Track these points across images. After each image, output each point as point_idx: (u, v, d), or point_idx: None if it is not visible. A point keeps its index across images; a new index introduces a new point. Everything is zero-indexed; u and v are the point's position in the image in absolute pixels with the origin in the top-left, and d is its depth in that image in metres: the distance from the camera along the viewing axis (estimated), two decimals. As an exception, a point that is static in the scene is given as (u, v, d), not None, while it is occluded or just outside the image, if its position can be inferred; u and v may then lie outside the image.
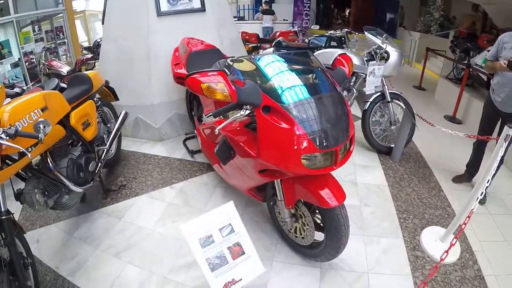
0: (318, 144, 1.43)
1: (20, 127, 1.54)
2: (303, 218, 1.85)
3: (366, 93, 2.91)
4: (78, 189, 2.07)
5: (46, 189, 1.89)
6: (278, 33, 4.56)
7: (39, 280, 1.80)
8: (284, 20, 9.78)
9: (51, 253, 2.10)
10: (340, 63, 1.90)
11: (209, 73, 1.44)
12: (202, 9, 3.24)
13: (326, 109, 1.53)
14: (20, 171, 1.79)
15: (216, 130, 1.65)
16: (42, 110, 1.79)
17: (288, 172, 1.55)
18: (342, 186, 1.66)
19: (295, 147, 1.41)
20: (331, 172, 1.64)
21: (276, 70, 1.63)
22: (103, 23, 3.72)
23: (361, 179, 2.78)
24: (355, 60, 2.99)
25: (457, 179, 2.73)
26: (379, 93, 2.97)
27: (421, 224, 2.28)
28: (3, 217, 1.48)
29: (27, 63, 6.28)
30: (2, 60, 5.74)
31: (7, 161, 1.59)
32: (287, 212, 1.85)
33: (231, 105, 1.51)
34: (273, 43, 3.78)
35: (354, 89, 3.15)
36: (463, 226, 1.67)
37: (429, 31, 8.53)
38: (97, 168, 2.38)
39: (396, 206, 2.45)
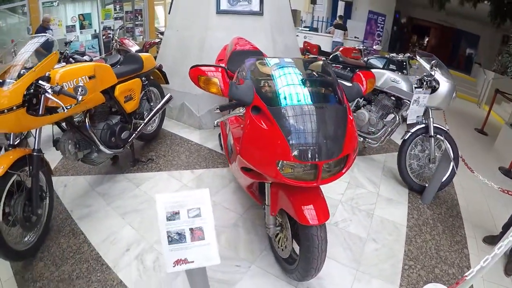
0: (297, 153, 1.37)
1: (66, 87, 1.87)
2: (285, 229, 1.80)
3: (407, 122, 2.66)
4: (107, 151, 2.39)
5: (79, 143, 2.24)
6: (341, 48, 4.44)
7: (53, 215, 2.15)
8: (355, 37, 9.53)
9: (71, 198, 2.47)
10: (358, 78, 1.78)
11: (211, 68, 1.53)
12: (260, 12, 3.39)
13: (320, 121, 1.43)
14: (61, 123, 2.17)
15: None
16: (90, 77, 2.13)
17: (266, 176, 1.54)
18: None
19: (271, 151, 1.40)
20: (321, 187, 1.58)
21: (286, 75, 1.64)
22: (169, 13, 4.16)
23: (380, 212, 2.55)
24: (404, 86, 2.76)
25: (489, 240, 2.28)
26: (423, 125, 2.68)
27: (427, 277, 1.98)
28: (34, 154, 1.82)
29: (104, 37, 7.31)
30: (82, 30, 6.98)
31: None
32: (271, 218, 1.82)
33: (234, 102, 1.58)
34: (330, 57, 3.71)
35: (398, 116, 2.90)
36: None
37: (505, 72, 7.57)
38: (130, 138, 2.69)
39: (406, 251, 2.18)
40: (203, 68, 1.53)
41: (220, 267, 1.95)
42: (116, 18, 7.80)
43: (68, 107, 1.84)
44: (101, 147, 2.34)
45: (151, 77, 3.19)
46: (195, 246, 1.49)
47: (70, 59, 3.19)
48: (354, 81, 1.79)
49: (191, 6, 3.46)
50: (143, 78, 2.92)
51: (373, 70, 2.95)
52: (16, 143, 1.93)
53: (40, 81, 1.73)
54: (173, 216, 1.49)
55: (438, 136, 2.63)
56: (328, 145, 1.40)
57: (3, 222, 1.67)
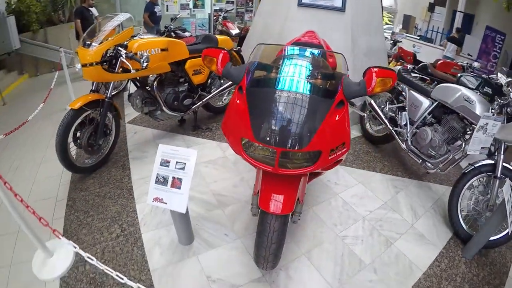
0: (257, 134, 1.40)
1: (139, 55, 2.42)
2: None
3: (467, 152, 2.14)
4: (168, 111, 2.94)
5: (146, 100, 2.83)
6: (440, 61, 3.63)
7: (115, 151, 2.84)
8: (468, 54, 7.70)
9: (135, 142, 3.15)
10: (368, 75, 1.51)
11: (216, 50, 1.72)
12: (342, 9, 3.27)
13: (291, 109, 1.41)
14: (135, 82, 2.79)
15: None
16: (162, 50, 2.66)
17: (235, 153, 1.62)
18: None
19: (238, 128, 1.49)
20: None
21: (289, 63, 1.64)
22: (259, 1, 4.38)
23: (402, 245, 2.21)
24: (477, 108, 2.18)
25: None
26: (492, 162, 2.11)
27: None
28: (106, 99, 2.46)
29: (214, 18, 7.97)
30: (195, 9, 7.91)
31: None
32: (253, 198, 1.88)
33: None
34: (418, 66, 3.22)
35: (465, 144, 2.35)
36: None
37: None
38: (192, 106, 3.17)
39: (408, 296, 1.87)
40: (210, 50, 1.74)
41: (210, 229, 2.20)
42: (228, 2, 8.58)
43: (135, 70, 2.39)
44: (163, 107, 2.89)
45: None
46: (172, 191, 1.78)
47: (172, 33, 3.90)
48: (365, 77, 1.57)
49: None
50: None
51: (447, 85, 2.53)
52: (112, 94, 2.61)
53: (118, 47, 2.32)
54: (165, 163, 1.82)
55: (506, 179, 2.03)
56: (291, 134, 1.37)
57: (73, 143, 2.38)
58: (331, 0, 3.30)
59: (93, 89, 2.50)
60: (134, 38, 2.58)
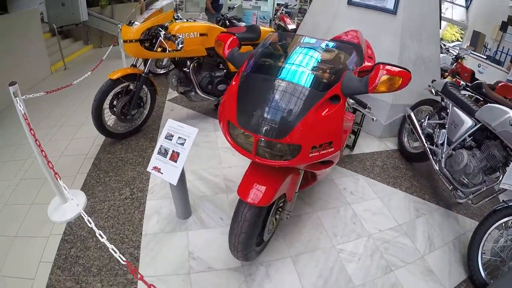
0: (240, 118, 1.40)
1: (180, 37, 2.59)
2: None
3: (500, 186, 1.80)
4: (201, 94, 3.10)
5: (181, 80, 3.02)
6: (501, 84, 2.97)
7: (147, 123, 3.09)
8: None
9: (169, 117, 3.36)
10: (374, 72, 1.37)
11: (227, 35, 1.75)
12: (393, 11, 3.01)
13: (275, 97, 1.37)
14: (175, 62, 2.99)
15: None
16: (201, 34, 2.81)
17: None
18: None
19: (226, 111, 1.49)
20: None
21: (293, 50, 1.60)
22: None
23: (403, 274, 1.96)
24: None
25: None
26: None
27: None
28: (143, 75, 2.70)
29: (282, 12, 7.90)
30: (257, 1, 8.05)
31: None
32: None
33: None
34: (473, 84, 2.77)
35: (502, 175, 1.96)
36: None
37: None
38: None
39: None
40: (223, 34, 1.78)
41: (209, 210, 2.28)
42: None
43: (171, 51, 2.58)
44: (197, 89, 3.05)
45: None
46: (169, 163, 1.90)
47: (227, 21, 4.05)
48: (370, 74, 1.41)
49: None
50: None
51: (495, 105, 2.20)
52: (160, 72, 2.85)
53: (159, 28, 2.53)
54: (169, 136, 1.95)
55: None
56: (271, 123, 1.33)
57: (109, 109, 2.67)
58: (382, 0, 3.07)
59: (133, 64, 2.76)
60: (177, 21, 2.78)
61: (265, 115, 1.34)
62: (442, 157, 2.51)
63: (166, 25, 2.60)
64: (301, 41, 1.68)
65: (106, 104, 2.62)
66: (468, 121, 2.41)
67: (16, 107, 1.77)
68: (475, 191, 2.21)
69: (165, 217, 2.20)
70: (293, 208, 1.93)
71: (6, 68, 4.19)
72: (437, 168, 2.54)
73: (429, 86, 2.85)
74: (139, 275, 1.27)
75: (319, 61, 1.55)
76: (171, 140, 1.95)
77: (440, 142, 2.58)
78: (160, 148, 1.96)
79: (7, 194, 2.43)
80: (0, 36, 4.17)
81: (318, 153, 1.37)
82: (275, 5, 8.12)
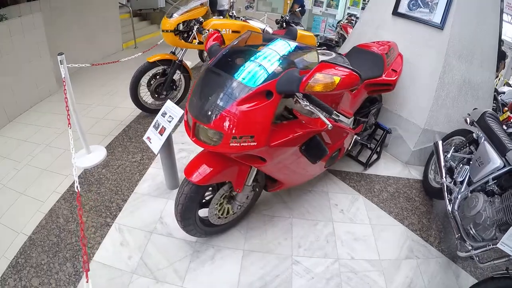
0: (189, 104, 1.57)
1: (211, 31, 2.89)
2: None
3: (497, 245, 1.41)
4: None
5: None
6: None
7: (179, 105, 3.47)
8: None
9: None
10: (315, 70, 1.35)
11: (214, 31, 1.90)
12: (440, 26, 2.59)
13: (213, 88, 1.50)
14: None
15: None
16: (233, 31, 3.04)
17: None
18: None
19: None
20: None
21: (257, 48, 1.66)
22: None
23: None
24: None
25: None
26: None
27: None
28: (177, 61, 3.08)
29: (346, 21, 7.50)
30: (328, 8, 7.88)
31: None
32: None
33: None
34: None
35: None
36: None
37: None
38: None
39: None
40: (214, 32, 1.95)
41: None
42: (363, 8, 7.99)
43: (201, 43, 2.89)
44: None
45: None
46: (156, 135, 2.20)
47: (284, 23, 4.18)
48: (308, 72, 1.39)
49: (378, 4, 3.23)
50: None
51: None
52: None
53: (195, 21, 2.87)
54: (164, 114, 2.26)
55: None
56: (204, 109, 1.46)
57: (146, 87, 3.14)
58: (430, 13, 2.67)
59: (172, 51, 3.17)
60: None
61: (203, 103, 1.49)
62: (457, 197, 2.11)
63: (201, 19, 2.92)
64: (269, 42, 1.70)
65: (144, 82, 3.10)
66: (496, 161, 1.96)
67: (61, 72, 2.32)
68: (479, 247, 1.81)
69: (156, 184, 2.52)
70: (248, 202, 1.99)
71: (82, 40, 5.05)
72: (450, 209, 2.14)
73: (469, 114, 2.41)
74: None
75: (270, 60, 1.57)
76: (164, 117, 2.23)
77: (459, 179, 2.18)
78: (155, 122, 2.27)
79: (51, 138, 3.09)
80: (78, 11, 4.94)
81: (238, 144, 1.42)
82: (346, 14, 7.77)
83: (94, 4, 5.40)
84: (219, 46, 1.85)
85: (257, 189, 2.01)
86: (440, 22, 2.59)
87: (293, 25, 4.35)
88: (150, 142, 2.24)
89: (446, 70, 2.63)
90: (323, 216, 2.36)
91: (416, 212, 2.51)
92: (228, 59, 1.64)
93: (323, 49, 3.66)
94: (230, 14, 3.86)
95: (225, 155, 1.64)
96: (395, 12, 2.90)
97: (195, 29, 2.84)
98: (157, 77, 3.14)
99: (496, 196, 1.88)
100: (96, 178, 2.54)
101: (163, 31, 2.88)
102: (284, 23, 4.23)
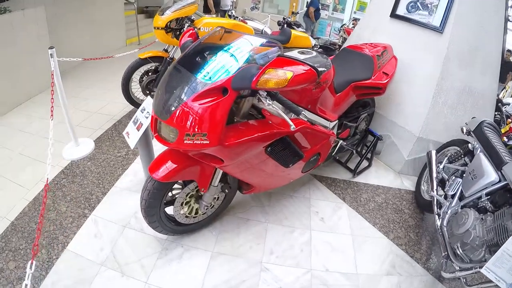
0: (154, 101, 1.56)
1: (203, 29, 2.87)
2: None
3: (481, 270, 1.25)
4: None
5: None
6: None
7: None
8: None
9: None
10: (269, 64, 1.33)
11: (190, 29, 1.88)
12: (439, 29, 2.41)
13: (174, 84, 1.48)
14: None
15: None
16: (226, 32, 3.00)
17: None
18: None
19: None
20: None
21: (221, 46, 1.60)
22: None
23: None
24: None
25: None
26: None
27: None
28: (168, 59, 3.08)
29: (352, 25, 7.27)
30: (333, 12, 7.85)
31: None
32: None
33: None
34: None
35: None
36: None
37: None
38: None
39: None
40: (190, 29, 1.92)
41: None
42: None
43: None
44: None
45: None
46: (134, 129, 2.18)
47: (285, 24, 4.12)
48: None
49: (377, 6, 3.09)
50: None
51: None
52: None
53: (186, 19, 2.85)
54: (143, 110, 2.23)
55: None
56: (163, 106, 1.45)
57: (138, 83, 3.15)
58: (429, 16, 2.49)
59: (165, 48, 3.18)
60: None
61: (163, 99, 1.48)
62: (447, 212, 1.95)
63: (192, 18, 2.91)
64: (235, 38, 1.63)
65: (136, 78, 3.12)
66: (491, 174, 1.78)
67: (50, 65, 2.36)
68: (465, 269, 1.65)
69: (137, 180, 2.51)
70: (220, 203, 1.95)
71: (86, 35, 5.09)
72: (438, 224, 1.98)
73: (466, 124, 2.23)
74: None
75: (233, 56, 1.51)
76: (142, 113, 2.21)
77: (450, 193, 2.01)
78: (134, 118, 2.25)
79: (46, 129, 3.01)
80: (82, 7, 4.95)
81: (191, 142, 1.38)
82: (352, 19, 7.60)
83: (99, 0, 5.51)
84: (192, 43, 1.81)
85: (226, 191, 1.94)
86: (440, 25, 2.42)
87: (294, 26, 4.29)
88: (128, 137, 2.21)
89: (444, 75, 2.46)
90: (301, 223, 2.25)
91: (404, 225, 2.34)
92: (193, 56, 1.61)
93: (317, 49, 3.57)
94: (229, 13, 3.84)
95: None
96: (393, 14, 2.75)
97: (185, 26, 2.83)
98: (149, 73, 3.15)
99: (488, 213, 1.71)
100: (81, 170, 2.56)
101: (154, 28, 2.90)
102: (285, 25, 4.17)
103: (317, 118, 2.00)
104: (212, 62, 1.48)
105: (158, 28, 2.86)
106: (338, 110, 2.24)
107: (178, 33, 2.97)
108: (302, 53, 1.89)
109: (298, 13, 5.25)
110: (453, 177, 2.06)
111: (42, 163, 2.65)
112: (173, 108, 1.39)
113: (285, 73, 1.28)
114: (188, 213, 1.93)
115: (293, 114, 1.60)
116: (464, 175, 1.99)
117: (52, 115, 2.30)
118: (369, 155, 2.82)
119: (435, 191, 2.12)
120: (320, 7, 6.87)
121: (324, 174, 2.77)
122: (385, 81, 2.31)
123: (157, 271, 1.84)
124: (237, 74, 1.36)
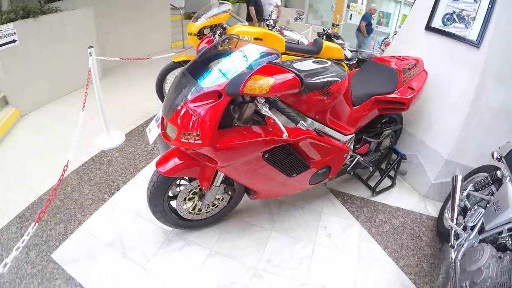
0: (164, 102, 1.68)
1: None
2: None
3: None
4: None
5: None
6: None
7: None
8: None
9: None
10: (252, 74, 1.35)
11: (208, 37, 1.98)
12: (476, 43, 2.18)
13: (179, 89, 1.58)
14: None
15: None
16: (255, 39, 3.10)
17: None
18: None
19: None
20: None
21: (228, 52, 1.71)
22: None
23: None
24: None
25: None
26: None
27: None
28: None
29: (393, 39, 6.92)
30: (378, 26, 7.68)
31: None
32: None
33: None
34: None
35: None
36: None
37: None
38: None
39: None
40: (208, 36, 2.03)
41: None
42: None
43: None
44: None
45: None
46: (155, 126, 2.31)
47: (324, 36, 4.10)
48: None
49: (414, 19, 2.89)
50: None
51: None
52: None
53: (219, 27, 3.00)
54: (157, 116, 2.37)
55: None
56: (168, 106, 1.58)
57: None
58: (465, 29, 2.25)
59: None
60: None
61: (170, 100, 1.60)
62: (463, 245, 1.77)
63: (224, 25, 3.04)
64: (241, 47, 1.70)
65: (170, 80, 3.33)
66: (516, 208, 1.59)
67: (89, 63, 2.65)
68: None
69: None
70: (225, 204, 2.03)
71: (133, 36, 5.47)
72: (453, 257, 1.80)
73: (499, 148, 2.00)
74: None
75: (233, 63, 1.59)
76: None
77: (470, 224, 1.81)
78: (157, 116, 2.41)
79: (84, 119, 3.33)
80: (131, 9, 5.30)
81: (187, 141, 1.47)
82: (394, 33, 7.19)
83: (148, 4, 5.93)
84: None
85: (230, 193, 1.98)
86: (477, 39, 2.21)
87: (334, 38, 4.24)
88: (150, 133, 2.38)
89: (480, 93, 2.23)
90: (306, 235, 2.20)
91: (418, 253, 2.16)
92: (198, 63, 1.72)
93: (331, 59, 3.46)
94: (267, 23, 3.93)
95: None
96: (428, 27, 2.58)
97: (217, 33, 2.97)
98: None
99: (508, 252, 1.52)
100: (109, 159, 2.81)
101: (189, 34, 3.09)
102: (325, 36, 4.14)
103: (328, 130, 1.96)
104: (214, 69, 1.60)
105: (191, 34, 3.05)
106: (355, 124, 2.16)
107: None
108: (317, 62, 1.89)
109: (338, 24, 5.17)
110: (476, 207, 1.86)
111: (76, 150, 2.95)
112: (174, 108, 1.52)
113: (268, 80, 1.34)
114: (192, 210, 2.01)
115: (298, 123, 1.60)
116: (488, 205, 1.79)
117: (83, 106, 2.57)
118: (392, 174, 2.65)
119: (454, 220, 1.93)
120: (371, 21, 6.72)
121: (342, 189, 2.67)
122: (410, 96, 2.18)
123: (157, 259, 1.94)
124: (232, 80, 1.44)
